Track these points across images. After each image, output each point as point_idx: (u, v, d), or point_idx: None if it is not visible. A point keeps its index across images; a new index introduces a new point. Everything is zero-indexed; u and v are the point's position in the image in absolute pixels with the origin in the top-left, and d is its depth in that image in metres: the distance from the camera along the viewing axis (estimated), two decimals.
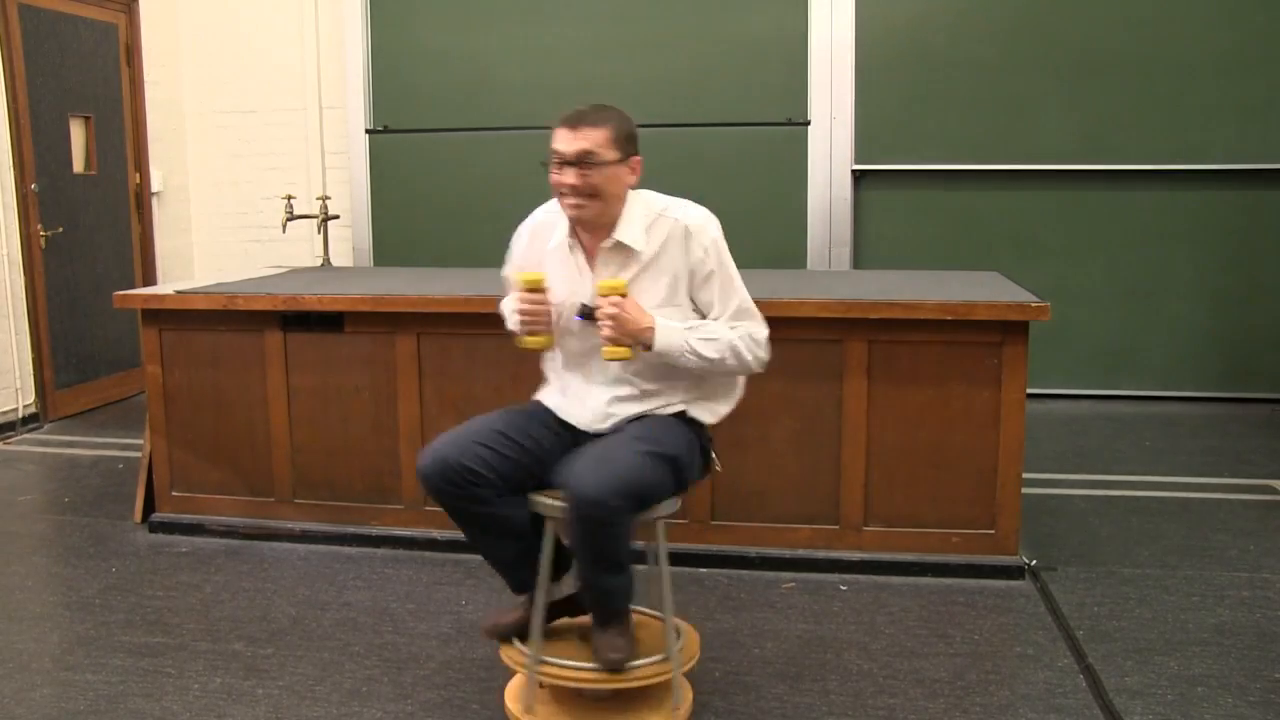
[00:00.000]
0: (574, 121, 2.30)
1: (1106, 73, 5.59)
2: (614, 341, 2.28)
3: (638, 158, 2.36)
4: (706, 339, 2.32)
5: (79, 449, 5.04)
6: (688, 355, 2.31)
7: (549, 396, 2.52)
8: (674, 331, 2.30)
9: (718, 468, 2.53)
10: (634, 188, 2.38)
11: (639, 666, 2.32)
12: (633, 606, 2.43)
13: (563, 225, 2.40)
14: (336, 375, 3.65)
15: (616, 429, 2.38)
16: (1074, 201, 5.74)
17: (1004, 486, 3.33)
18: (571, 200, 2.30)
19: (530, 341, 2.42)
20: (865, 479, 3.39)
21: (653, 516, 2.32)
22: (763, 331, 2.40)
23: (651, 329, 2.28)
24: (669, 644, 2.35)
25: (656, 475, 2.24)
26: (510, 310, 2.52)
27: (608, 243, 2.35)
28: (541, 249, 2.46)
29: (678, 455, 2.31)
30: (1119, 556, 3.51)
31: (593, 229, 2.37)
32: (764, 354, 2.39)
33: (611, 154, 2.29)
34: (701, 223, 2.36)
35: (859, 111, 5.78)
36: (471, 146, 6.13)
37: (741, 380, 2.52)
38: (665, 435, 2.32)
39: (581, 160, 2.27)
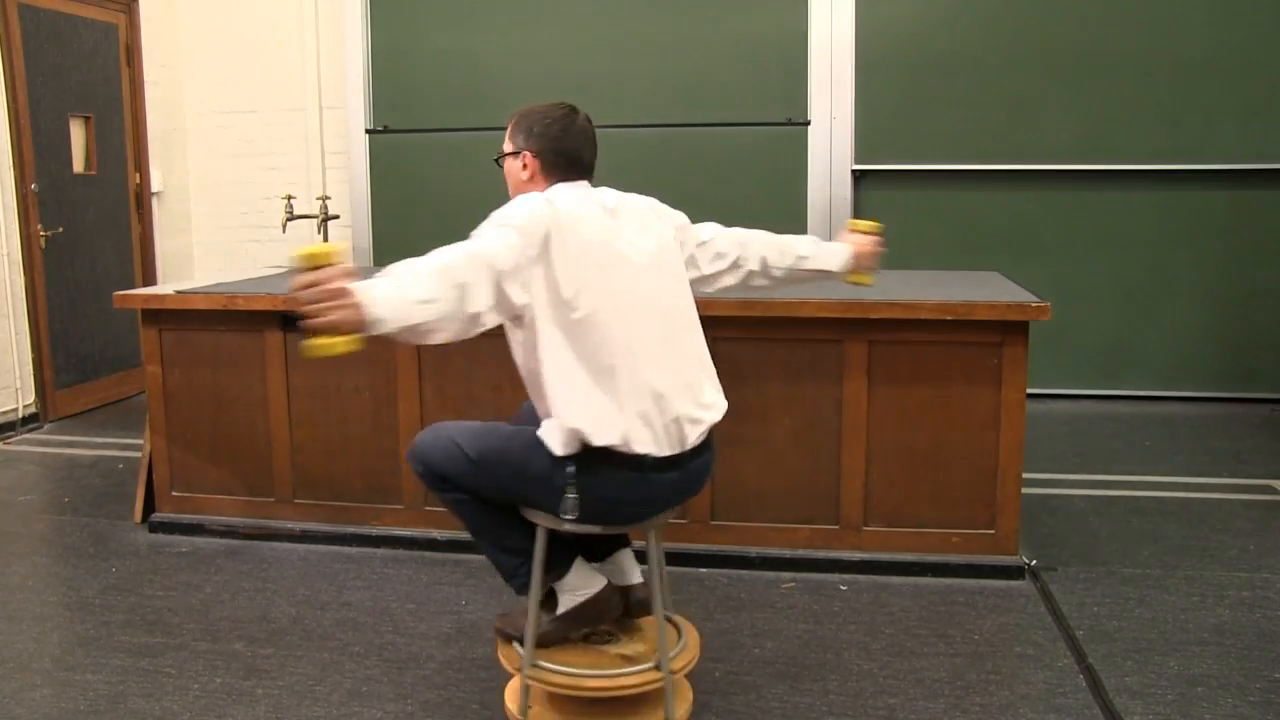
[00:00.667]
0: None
1: (1106, 73, 5.59)
2: (314, 331, 1.76)
3: (526, 152, 2.28)
4: (415, 277, 1.91)
5: (79, 449, 5.04)
6: (415, 308, 1.88)
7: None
8: (385, 287, 1.85)
9: (565, 514, 2.14)
10: (539, 184, 2.28)
11: (630, 674, 2.31)
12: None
13: None
14: (336, 375, 3.65)
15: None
16: (1074, 201, 5.74)
17: (1004, 486, 3.33)
18: None
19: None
20: (865, 479, 3.39)
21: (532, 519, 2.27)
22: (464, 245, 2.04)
23: (359, 301, 1.78)
24: (661, 652, 2.31)
25: (455, 466, 2.25)
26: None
27: None
28: None
29: (480, 459, 2.21)
30: (1119, 556, 3.51)
31: None
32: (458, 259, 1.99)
33: (508, 146, 2.33)
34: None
35: (859, 111, 5.78)
36: (471, 146, 6.12)
37: (569, 418, 2.11)
38: (499, 441, 2.24)
39: (497, 159, 2.38)
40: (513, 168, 2.32)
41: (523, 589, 2.34)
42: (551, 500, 2.17)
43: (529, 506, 2.27)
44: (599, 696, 2.34)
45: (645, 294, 2.21)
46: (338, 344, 1.76)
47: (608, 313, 2.12)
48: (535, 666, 2.34)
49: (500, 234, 2.07)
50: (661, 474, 2.18)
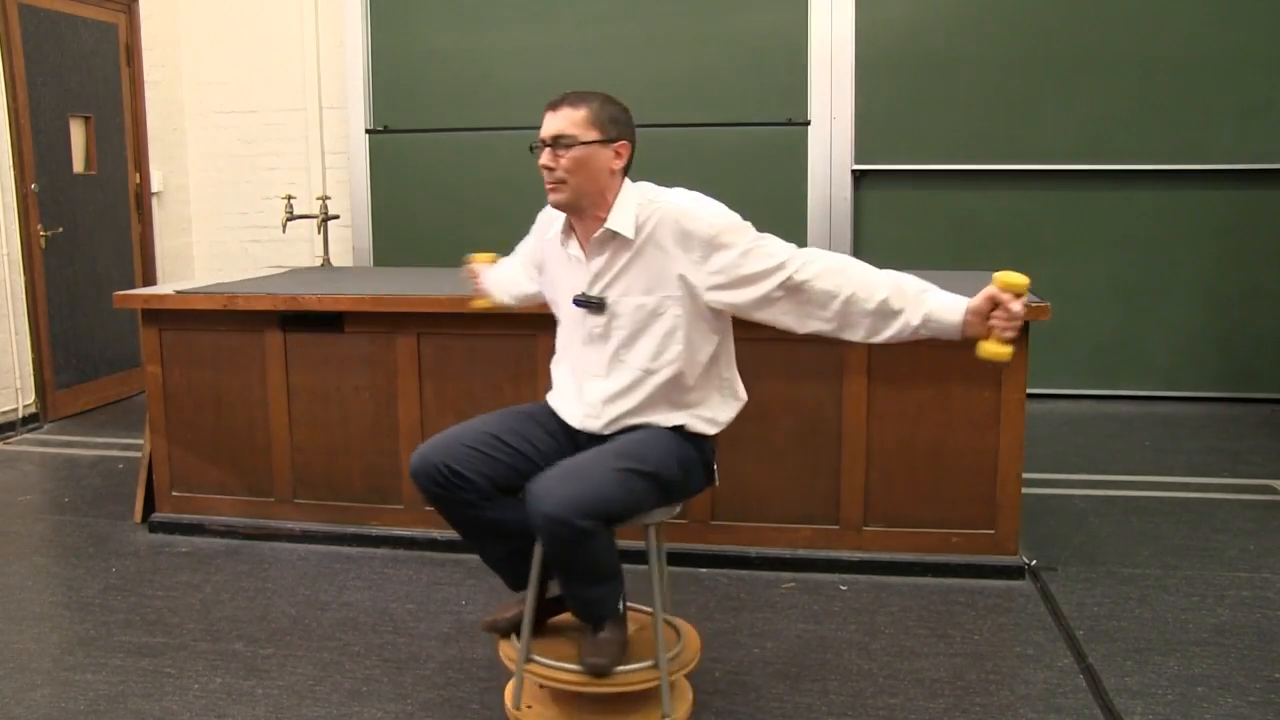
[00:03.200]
0: (555, 104, 2.27)
1: (1106, 73, 5.59)
2: (1007, 341, 2.04)
3: (624, 142, 2.26)
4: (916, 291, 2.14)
5: (79, 449, 5.04)
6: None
7: (551, 395, 2.50)
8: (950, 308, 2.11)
9: (716, 482, 2.45)
10: (628, 175, 2.31)
11: (627, 672, 2.30)
12: (632, 605, 2.43)
13: (561, 216, 2.35)
14: (336, 375, 3.65)
15: (605, 436, 2.32)
16: (1074, 201, 5.74)
17: (1004, 486, 3.33)
18: (549, 183, 2.25)
19: (480, 303, 2.81)
20: (865, 479, 3.39)
21: (642, 523, 2.28)
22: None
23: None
24: (658, 652, 2.30)
25: (631, 493, 2.16)
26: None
27: (599, 232, 2.27)
28: (542, 237, 2.47)
29: (658, 472, 2.21)
30: (1119, 556, 3.51)
31: (582, 216, 2.29)
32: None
33: (590, 135, 2.21)
34: (690, 207, 2.23)
35: (859, 111, 5.78)
36: (471, 146, 6.13)
37: (739, 386, 2.44)
38: (651, 450, 2.23)
39: (556, 141, 2.22)
40: (597, 155, 2.23)
41: (614, 613, 2.33)
42: (695, 481, 2.36)
43: (676, 499, 2.34)
44: (593, 692, 2.34)
45: None
46: (1008, 352, 2.07)
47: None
48: (531, 661, 2.34)
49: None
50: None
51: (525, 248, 2.61)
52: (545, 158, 2.24)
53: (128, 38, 6.08)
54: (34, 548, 3.76)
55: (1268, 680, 2.68)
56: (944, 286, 2.19)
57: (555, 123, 2.24)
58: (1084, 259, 5.76)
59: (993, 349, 2.05)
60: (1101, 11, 5.56)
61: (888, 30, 5.72)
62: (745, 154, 5.88)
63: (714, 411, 2.37)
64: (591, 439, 2.34)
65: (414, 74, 6.16)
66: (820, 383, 3.38)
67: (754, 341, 3.37)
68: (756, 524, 3.47)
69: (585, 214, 2.29)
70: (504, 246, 2.76)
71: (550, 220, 2.43)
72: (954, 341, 2.14)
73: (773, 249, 2.21)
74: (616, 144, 2.25)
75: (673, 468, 2.26)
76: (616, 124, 2.26)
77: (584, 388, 2.37)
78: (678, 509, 2.39)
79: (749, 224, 2.25)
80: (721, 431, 2.42)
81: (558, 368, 2.49)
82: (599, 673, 2.25)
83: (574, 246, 2.34)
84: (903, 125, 5.79)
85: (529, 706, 2.44)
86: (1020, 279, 2.03)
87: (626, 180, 2.31)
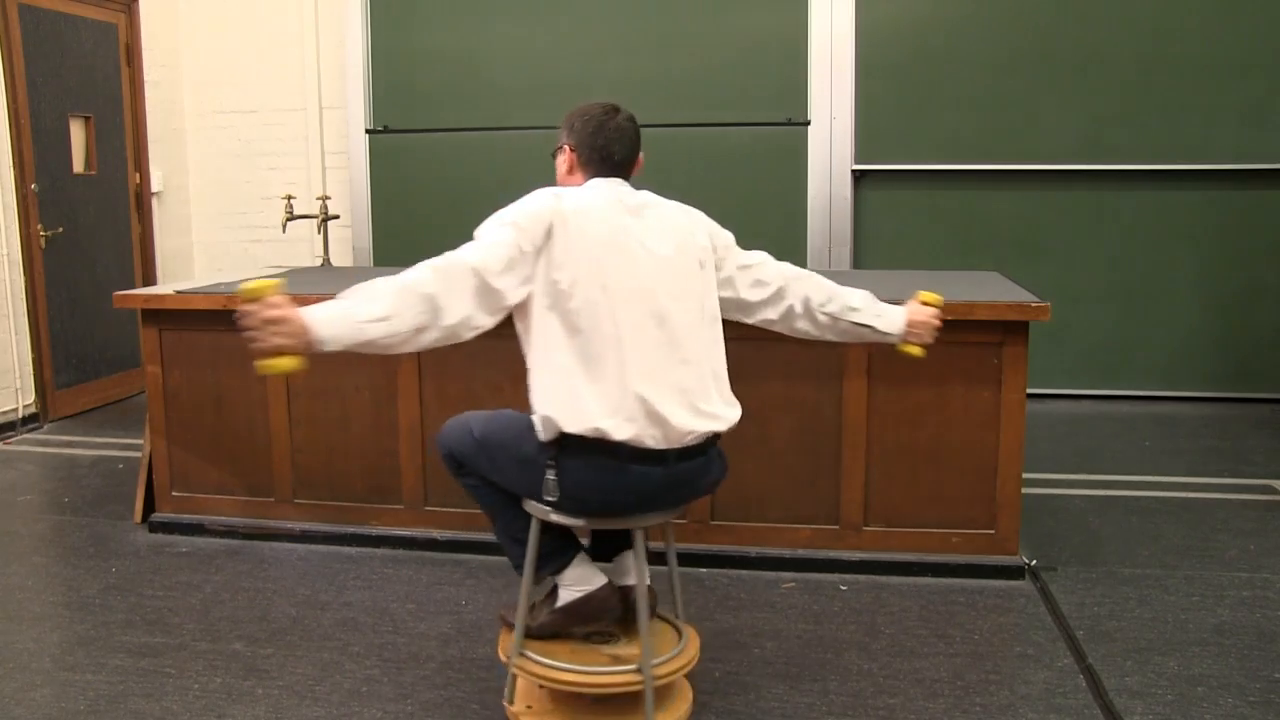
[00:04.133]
0: None
1: (1106, 73, 5.59)
2: (262, 354, 1.97)
3: (562, 147, 2.40)
4: (370, 297, 2.07)
5: (79, 449, 5.04)
6: (368, 326, 2.04)
7: None
8: (333, 310, 2.04)
9: (546, 497, 2.21)
10: (578, 177, 2.38)
11: (609, 672, 2.30)
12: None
13: None
14: (336, 375, 3.65)
15: None
16: (1074, 201, 5.74)
17: (1004, 486, 3.33)
18: None
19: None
20: (865, 479, 3.39)
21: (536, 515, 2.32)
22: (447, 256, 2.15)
23: (305, 325, 1.99)
24: (644, 656, 2.29)
25: (465, 449, 2.37)
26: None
27: None
28: None
29: (483, 439, 2.34)
30: (1119, 556, 3.51)
31: None
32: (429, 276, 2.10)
33: (557, 143, 2.42)
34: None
35: (859, 111, 5.78)
36: (471, 146, 6.12)
37: (541, 403, 2.20)
38: (512, 422, 2.31)
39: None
40: (558, 161, 2.42)
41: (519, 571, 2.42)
42: (536, 483, 2.23)
43: (523, 494, 2.33)
44: (576, 692, 2.35)
45: (646, 293, 2.22)
46: (283, 363, 1.97)
47: (602, 305, 2.17)
48: (521, 656, 2.34)
49: (496, 232, 2.18)
50: (642, 466, 2.19)
51: None
52: None
53: (128, 38, 6.08)
54: (34, 548, 3.76)
55: (1268, 680, 2.68)
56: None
57: None
58: (1084, 259, 5.76)
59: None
60: (1101, 11, 5.56)
61: (888, 30, 5.73)
62: (745, 154, 5.88)
63: (535, 416, 2.22)
64: None
65: (414, 74, 6.16)
66: (820, 383, 3.38)
67: (754, 341, 3.38)
68: (756, 524, 3.47)
69: None
70: None
71: None
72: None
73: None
74: (560, 150, 2.42)
75: (494, 448, 2.33)
76: (562, 131, 2.41)
77: None
78: (668, 515, 2.34)
79: (508, 211, 2.23)
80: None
81: None
82: (500, 620, 2.51)
83: None
84: (903, 125, 5.79)
85: (529, 707, 2.44)
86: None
87: (591, 180, 2.37)
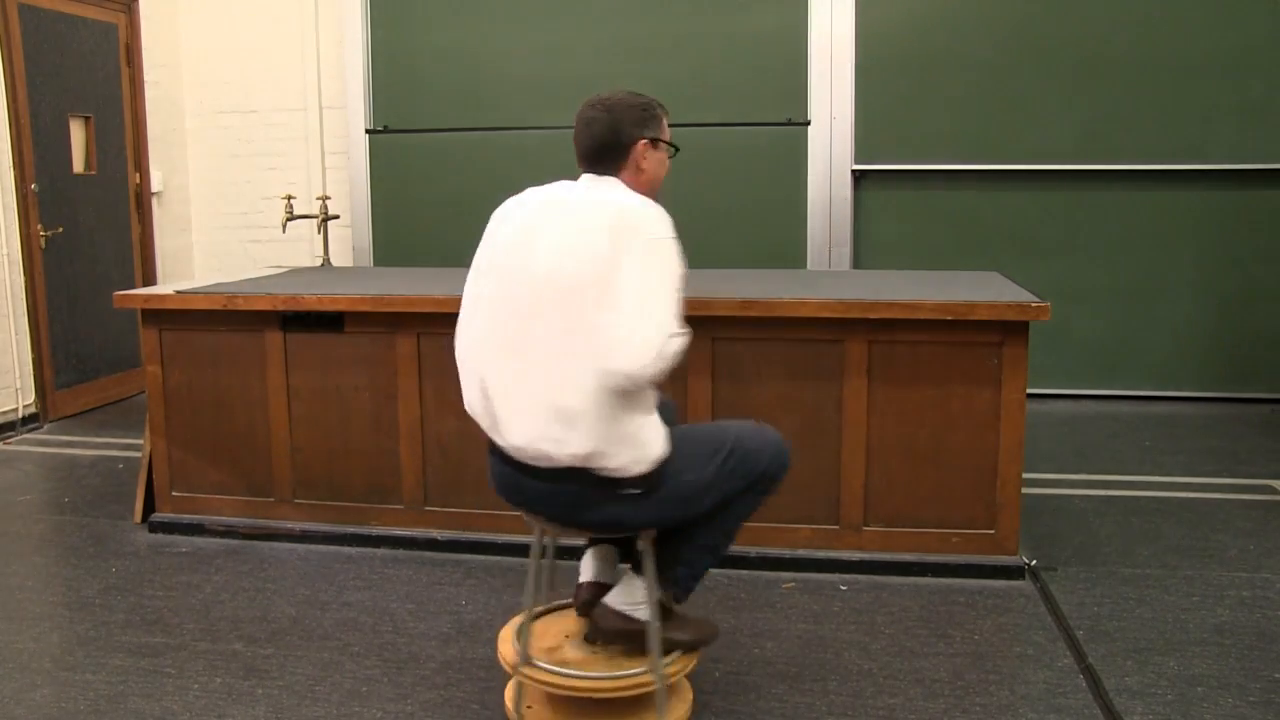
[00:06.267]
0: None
1: (1106, 73, 5.59)
2: None
3: None
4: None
5: (79, 449, 5.04)
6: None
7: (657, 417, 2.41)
8: None
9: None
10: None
11: (624, 676, 2.31)
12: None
13: None
14: (336, 375, 3.65)
15: None
16: (1074, 201, 5.74)
17: (1004, 486, 3.33)
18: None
19: None
20: (865, 479, 3.39)
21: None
22: None
23: None
24: (654, 657, 2.30)
25: None
26: None
27: None
28: None
29: None
30: (1119, 556, 3.51)
31: None
32: None
33: None
34: None
35: (859, 111, 5.78)
36: (471, 146, 6.12)
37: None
38: None
39: None
40: None
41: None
42: None
43: None
44: (590, 698, 2.35)
45: (511, 304, 2.18)
46: None
47: (470, 308, 2.29)
48: (529, 664, 2.35)
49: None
50: (493, 457, 2.31)
51: None
52: None
53: (128, 38, 6.08)
54: (34, 548, 3.76)
55: (1268, 680, 2.68)
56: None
57: None
58: (1084, 259, 5.76)
59: None
60: (1101, 11, 5.56)
61: (888, 30, 5.72)
62: (745, 154, 5.88)
63: None
64: None
65: (414, 74, 6.16)
66: (820, 383, 3.38)
67: (754, 341, 3.39)
68: (756, 524, 3.45)
69: None
70: None
71: None
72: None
73: None
74: None
75: None
76: None
77: None
78: (545, 523, 2.37)
79: None
80: None
81: None
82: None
83: None
84: (903, 125, 5.79)
85: (529, 707, 2.44)
86: None
87: (582, 176, 2.38)
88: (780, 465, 2.34)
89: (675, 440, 2.22)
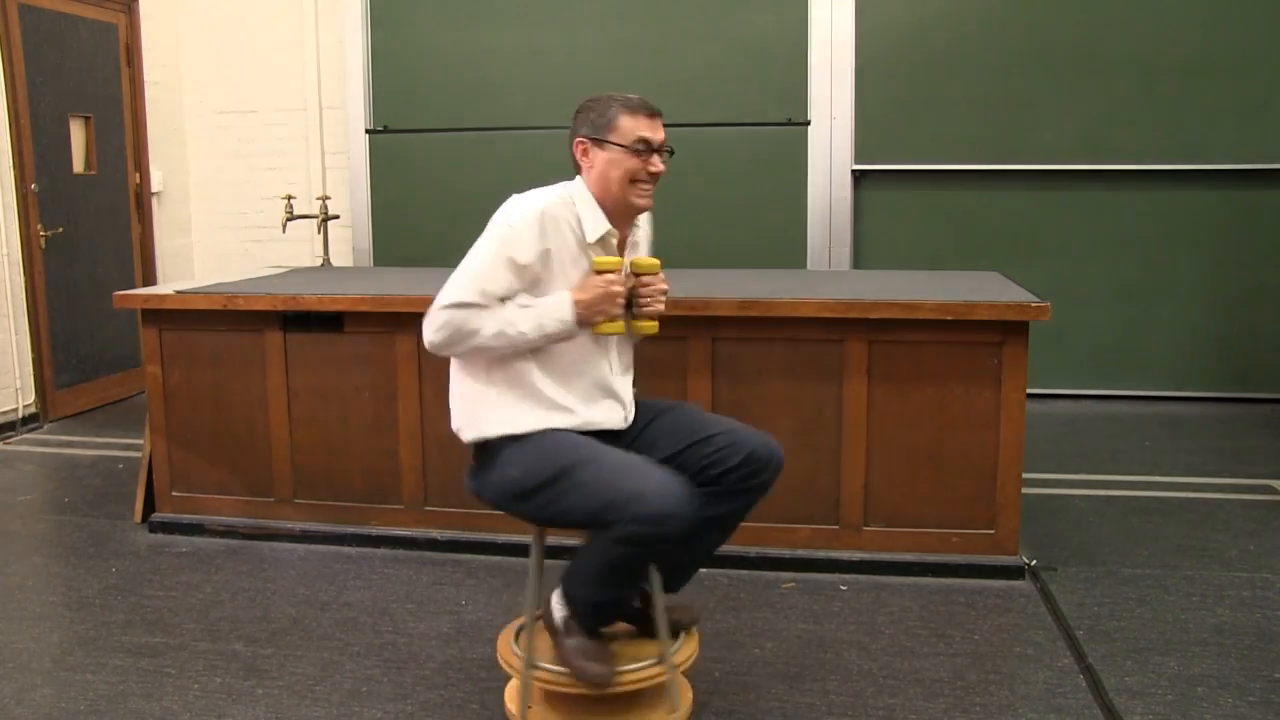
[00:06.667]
0: (654, 110, 2.33)
1: (1106, 73, 5.59)
2: (652, 316, 2.36)
3: None
4: None
5: (79, 449, 5.04)
6: None
7: (561, 419, 2.30)
8: None
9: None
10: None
11: (632, 670, 2.31)
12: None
13: (591, 218, 2.27)
14: (336, 375, 3.65)
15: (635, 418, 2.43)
16: (1074, 201, 5.74)
17: (1004, 486, 3.33)
18: (651, 189, 2.32)
19: (609, 327, 2.29)
20: (865, 479, 3.39)
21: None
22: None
23: None
24: (664, 648, 2.32)
25: None
26: (601, 295, 2.23)
27: (634, 230, 2.43)
28: (561, 242, 2.25)
29: None
30: (1119, 556, 3.51)
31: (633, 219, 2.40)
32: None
33: None
34: None
35: (859, 111, 5.78)
36: (471, 146, 6.12)
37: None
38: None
39: (663, 148, 2.33)
40: None
41: None
42: None
43: None
44: (602, 695, 2.34)
45: None
46: (617, 325, 2.30)
47: None
48: (534, 667, 2.34)
49: None
50: None
51: (510, 277, 2.25)
52: (660, 164, 2.31)
53: (128, 38, 6.08)
54: (34, 548, 3.76)
55: (1268, 680, 2.68)
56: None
57: (660, 129, 2.33)
58: (1084, 259, 5.76)
59: (648, 327, 2.36)
60: (1101, 12, 5.56)
61: (888, 30, 5.72)
62: (745, 154, 5.87)
63: None
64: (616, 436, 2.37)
65: (414, 74, 6.16)
66: (820, 383, 3.38)
67: (754, 341, 3.39)
68: (756, 524, 3.46)
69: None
70: None
71: (557, 225, 2.24)
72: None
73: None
74: None
75: None
76: None
77: (615, 385, 2.38)
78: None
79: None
80: None
81: (563, 381, 2.31)
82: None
83: (613, 248, 2.34)
84: (903, 125, 5.79)
85: (529, 707, 2.44)
86: (653, 261, 2.36)
87: None
88: (654, 523, 2.04)
89: (551, 439, 2.23)
